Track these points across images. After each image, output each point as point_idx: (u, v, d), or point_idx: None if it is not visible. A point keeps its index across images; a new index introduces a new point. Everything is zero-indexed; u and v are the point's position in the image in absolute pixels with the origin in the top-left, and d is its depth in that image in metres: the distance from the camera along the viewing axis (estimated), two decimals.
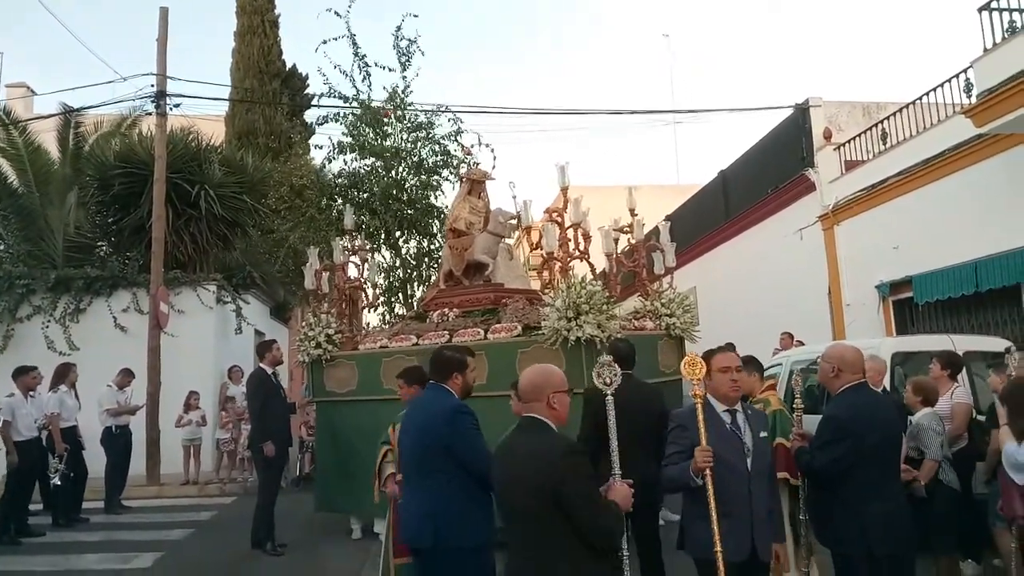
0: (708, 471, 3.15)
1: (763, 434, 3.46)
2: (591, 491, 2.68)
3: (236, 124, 19.33)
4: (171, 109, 12.23)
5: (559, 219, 7.35)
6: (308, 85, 21.42)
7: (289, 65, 20.95)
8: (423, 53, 13.66)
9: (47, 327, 12.20)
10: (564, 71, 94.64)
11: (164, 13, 12.08)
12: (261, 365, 7.52)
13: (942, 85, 10.10)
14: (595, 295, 5.97)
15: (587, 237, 7.21)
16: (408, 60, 13.52)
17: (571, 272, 6.79)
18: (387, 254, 13.89)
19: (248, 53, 19.71)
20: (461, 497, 3.48)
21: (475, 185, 8.12)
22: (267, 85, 19.60)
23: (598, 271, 7.46)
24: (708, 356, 3.48)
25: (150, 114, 12.80)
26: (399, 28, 13.53)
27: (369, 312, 9.35)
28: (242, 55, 19.80)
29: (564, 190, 7.20)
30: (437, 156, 13.68)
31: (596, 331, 5.83)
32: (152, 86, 12.07)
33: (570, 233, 7.21)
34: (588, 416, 4.97)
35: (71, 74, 51.95)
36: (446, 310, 7.29)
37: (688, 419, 3.36)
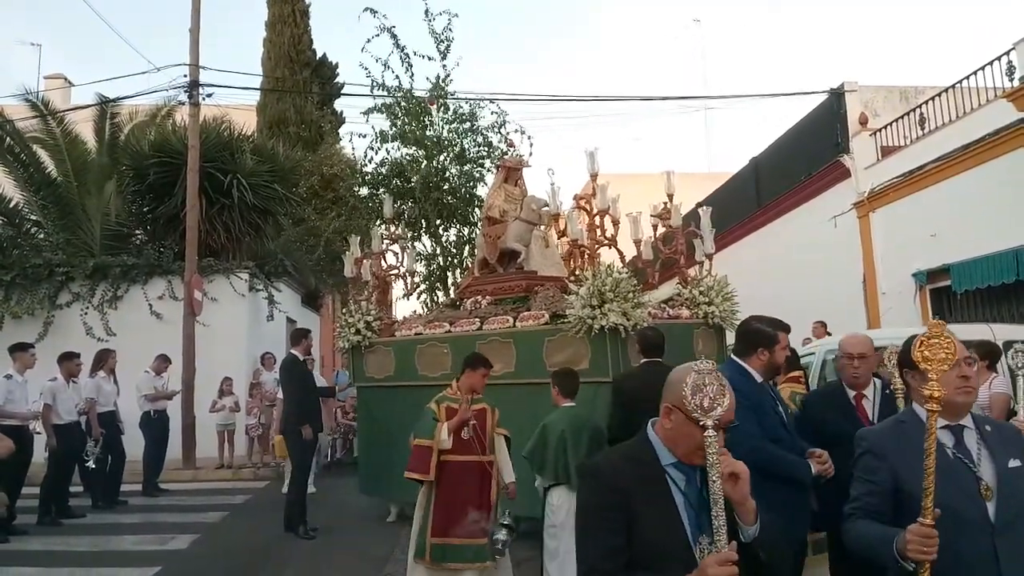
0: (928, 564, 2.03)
1: (1014, 462, 2.25)
2: (582, 524, 2.00)
3: (267, 113, 19.55)
4: (204, 99, 12.38)
5: (587, 206, 7.30)
6: (338, 74, 21.57)
7: (319, 54, 21.10)
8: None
9: (85, 314, 12.47)
10: (594, 58, 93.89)
11: (197, 3, 12.21)
12: (293, 351, 7.64)
13: (983, 68, 9.85)
14: (621, 283, 5.89)
15: (616, 223, 7.14)
16: (447, 47, 13.42)
17: (597, 259, 6.74)
18: (428, 242, 13.92)
19: (279, 43, 19.90)
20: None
21: (511, 173, 8.08)
22: (298, 74, 19.79)
23: (627, 258, 7.38)
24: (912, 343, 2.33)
25: (183, 104, 12.97)
26: (427, 11, 13.32)
27: (408, 300, 9.46)
28: (273, 44, 20.00)
29: (593, 176, 7.15)
30: (479, 147, 13.63)
31: (621, 319, 5.75)
32: (185, 76, 12.23)
33: (598, 220, 7.15)
34: (616, 406, 4.97)
35: (106, 65, 52.78)
36: (479, 297, 7.31)
37: (888, 440, 2.30)
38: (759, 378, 3.31)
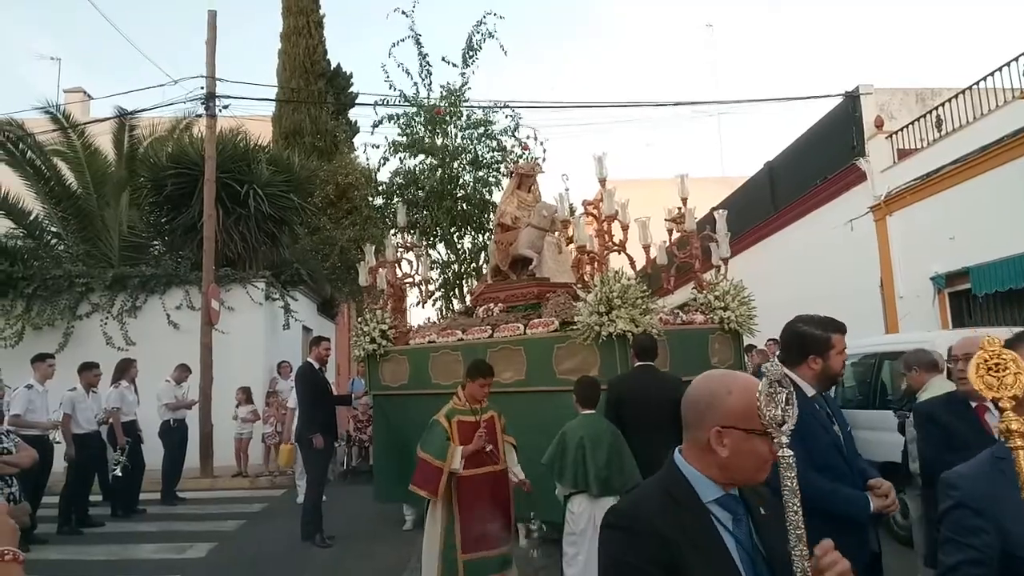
0: None
1: None
2: None
3: (283, 124, 19.69)
4: (220, 110, 12.51)
5: (596, 212, 7.27)
6: (352, 84, 21.72)
7: (333, 64, 21.25)
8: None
9: (105, 324, 12.61)
10: (607, 63, 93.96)
11: (212, 16, 12.35)
12: (308, 359, 7.68)
13: (1000, 69, 9.76)
14: (629, 289, 5.86)
15: (625, 229, 7.10)
16: (475, 56, 13.49)
17: (606, 266, 6.71)
18: (443, 249, 13.95)
19: (294, 54, 20.04)
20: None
21: (524, 179, 8.07)
22: (312, 85, 19.90)
23: (638, 264, 7.33)
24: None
25: (200, 116, 13.10)
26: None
27: (423, 307, 9.50)
28: (288, 56, 20.14)
29: (602, 181, 7.11)
30: (493, 152, 13.64)
31: (630, 326, 5.72)
32: (202, 88, 12.36)
33: (606, 226, 7.11)
34: (609, 407, 5.03)
35: (125, 78, 53.56)
36: (491, 305, 7.32)
37: (986, 487, 1.81)
38: (810, 391, 2.87)
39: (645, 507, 1.59)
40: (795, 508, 1.48)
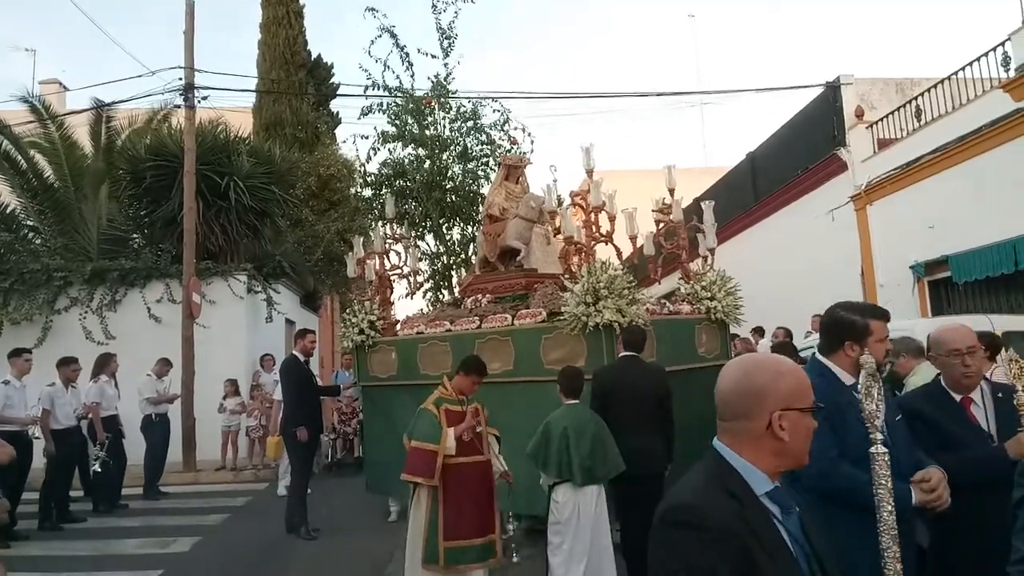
0: None
1: None
2: None
3: (263, 115, 19.47)
4: (199, 102, 12.34)
5: (583, 203, 7.27)
6: (333, 75, 21.51)
7: (314, 55, 21.05)
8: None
9: (84, 318, 12.46)
10: (589, 55, 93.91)
11: (190, 6, 12.17)
12: (294, 352, 7.65)
13: (979, 59, 9.85)
14: (615, 280, 5.88)
15: (612, 220, 7.12)
16: (451, 43, 13.33)
17: (593, 256, 6.72)
18: (431, 241, 13.89)
19: (274, 44, 19.80)
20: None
21: (512, 171, 8.06)
22: (293, 76, 19.69)
23: (624, 255, 7.35)
24: None
25: (179, 107, 12.93)
26: (434, 5, 13.21)
27: (411, 299, 9.45)
28: (268, 46, 19.90)
29: (589, 172, 7.11)
30: (482, 145, 13.56)
31: (616, 316, 5.73)
32: (180, 79, 12.20)
33: (593, 216, 7.11)
34: (594, 396, 5.06)
35: (101, 70, 52.76)
36: (480, 296, 7.31)
37: None
38: (848, 380, 2.68)
39: (709, 503, 1.48)
40: (889, 508, 1.46)
